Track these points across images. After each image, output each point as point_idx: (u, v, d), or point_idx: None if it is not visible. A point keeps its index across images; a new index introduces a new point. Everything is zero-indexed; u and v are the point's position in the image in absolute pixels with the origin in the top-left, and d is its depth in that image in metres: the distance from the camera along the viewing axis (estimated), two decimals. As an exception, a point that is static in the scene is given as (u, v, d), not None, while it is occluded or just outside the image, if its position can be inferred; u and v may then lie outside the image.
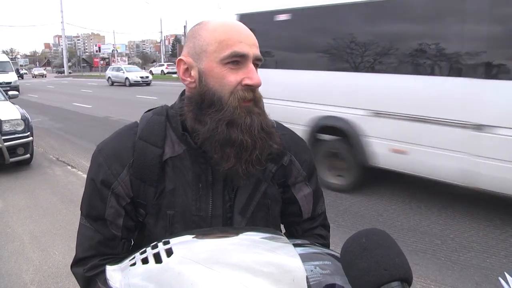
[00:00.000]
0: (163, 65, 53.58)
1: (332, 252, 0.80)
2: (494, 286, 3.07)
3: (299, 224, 1.10)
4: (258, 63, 0.93)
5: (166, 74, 45.82)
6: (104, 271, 0.92)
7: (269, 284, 0.61)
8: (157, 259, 0.65)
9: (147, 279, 0.64)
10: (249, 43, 0.90)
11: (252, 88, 0.90)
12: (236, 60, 0.88)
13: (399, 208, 4.66)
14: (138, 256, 0.68)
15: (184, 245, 0.68)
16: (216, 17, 0.98)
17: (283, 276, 0.63)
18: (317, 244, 0.86)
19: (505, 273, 0.77)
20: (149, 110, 1.04)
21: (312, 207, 1.09)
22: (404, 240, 3.81)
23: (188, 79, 0.93)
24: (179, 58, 0.95)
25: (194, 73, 0.92)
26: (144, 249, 0.70)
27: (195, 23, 0.98)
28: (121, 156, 0.95)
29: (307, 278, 0.63)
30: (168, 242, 0.68)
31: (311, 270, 0.68)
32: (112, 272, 0.70)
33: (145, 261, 0.66)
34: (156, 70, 52.23)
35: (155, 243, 0.70)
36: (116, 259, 0.93)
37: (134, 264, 0.68)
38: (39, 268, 3.44)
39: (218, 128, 0.87)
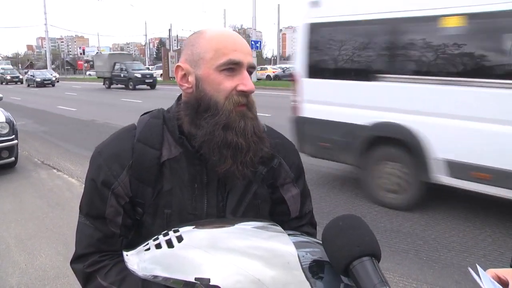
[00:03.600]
0: (148, 68, 52.72)
1: (320, 241, 0.88)
2: (473, 283, 3.18)
3: (287, 222, 1.15)
4: (252, 70, 0.99)
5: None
6: (104, 267, 0.97)
7: (262, 266, 0.69)
8: (169, 244, 0.73)
9: (160, 261, 0.73)
10: (243, 52, 0.96)
11: (246, 94, 0.96)
12: (232, 67, 0.94)
13: (382, 210, 4.77)
14: (151, 243, 0.76)
15: (189, 233, 0.76)
16: (212, 27, 1.04)
17: (277, 260, 0.71)
18: (306, 235, 0.93)
19: (477, 265, 0.85)
20: (145, 113, 1.08)
21: (299, 206, 1.15)
22: (387, 241, 3.91)
23: (186, 84, 0.99)
24: (177, 64, 1.00)
25: (191, 79, 0.97)
26: (156, 236, 0.77)
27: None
28: (121, 158, 0.99)
29: (300, 262, 0.72)
30: (177, 231, 0.76)
31: (303, 256, 0.76)
32: (130, 256, 0.78)
33: (158, 246, 0.74)
34: None
35: (165, 231, 0.77)
36: (115, 256, 0.98)
37: (148, 249, 0.75)
38: (25, 271, 3.44)
39: (215, 132, 0.92)
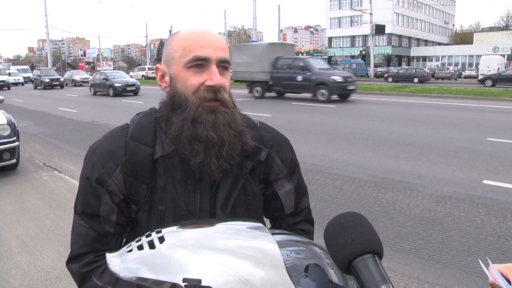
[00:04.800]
0: (144, 69, 51.04)
1: (308, 240, 0.88)
2: (474, 283, 3.18)
3: (282, 219, 1.16)
4: (226, 65, 1.00)
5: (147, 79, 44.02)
6: (99, 267, 0.98)
7: (249, 265, 0.69)
8: (151, 245, 0.73)
9: (142, 262, 0.72)
10: (212, 47, 0.97)
11: (214, 89, 0.97)
12: (199, 63, 0.97)
13: (383, 209, 4.77)
14: (134, 244, 0.76)
15: (173, 233, 0.76)
16: (188, 27, 1.07)
17: (262, 259, 0.71)
18: (294, 234, 0.93)
19: (487, 258, 0.86)
20: (139, 113, 1.11)
21: (294, 202, 1.16)
22: (389, 240, 3.91)
23: (163, 84, 1.04)
24: (156, 65, 1.06)
25: (167, 78, 1.03)
26: (139, 238, 0.77)
27: (180, 28, 1.08)
28: (115, 155, 1.01)
29: (284, 261, 0.72)
30: (160, 231, 0.76)
31: (287, 255, 0.76)
32: (112, 258, 0.77)
33: (140, 247, 0.74)
34: (137, 75, 48.17)
35: (148, 232, 0.77)
36: None
37: (130, 250, 0.75)
38: (27, 272, 3.44)
39: (184, 126, 0.95)
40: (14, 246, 3.96)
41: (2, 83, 33.14)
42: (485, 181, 5.73)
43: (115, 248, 1.00)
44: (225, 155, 0.96)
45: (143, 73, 48.58)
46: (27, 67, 55.00)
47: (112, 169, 1.00)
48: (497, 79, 29.70)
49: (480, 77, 32.71)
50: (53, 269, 3.48)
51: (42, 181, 6.21)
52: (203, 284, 0.67)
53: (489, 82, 29.84)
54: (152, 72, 46.28)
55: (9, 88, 33.89)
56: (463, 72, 47.52)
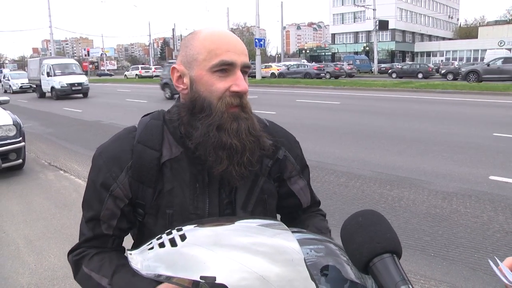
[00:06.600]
0: (137, 68, 52.74)
1: (326, 238, 0.88)
2: (482, 280, 3.17)
3: (298, 213, 1.20)
4: (247, 70, 0.99)
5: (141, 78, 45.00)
6: (87, 255, 1.02)
7: (266, 262, 0.68)
8: (173, 243, 0.73)
9: (163, 260, 0.72)
10: (237, 52, 0.96)
11: (239, 95, 0.96)
12: (224, 68, 0.94)
13: (388, 206, 4.76)
14: (155, 242, 0.76)
15: (193, 231, 0.76)
16: (207, 27, 1.05)
17: (281, 257, 0.70)
18: (310, 232, 0.93)
19: (495, 257, 0.85)
20: (146, 115, 1.09)
21: (310, 196, 1.20)
22: (395, 237, 3.90)
23: (181, 86, 1.01)
24: (172, 66, 1.02)
25: (186, 80, 0.99)
26: (159, 236, 0.77)
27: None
28: (120, 159, 1.00)
29: (304, 259, 0.71)
30: (181, 229, 0.76)
31: (307, 253, 0.75)
32: (134, 255, 0.78)
33: (161, 245, 0.74)
34: (131, 74, 50.39)
35: (169, 230, 0.78)
36: (104, 249, 1.04)
37: (152, 248, 0.75)
38: (35, 271, 3.47)
39: (210, 133, 0.94)
40: (22, 245, 3.99)
41: (79, 88, 22.80)
42: (491, 177, 5.70)
43: (112, 247, 1.05)
44: (246, 161, 0.96)
45: (137, 72, 50.13)
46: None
47: (117, 173, 1.00)
48: (457, 73, 30.60)
49: (442, 72, 34.60)
50: (60, 268, 3.50)
51: (48, 181, 6.24)
52: (217, 281, 0.66)
53: (450, 76, 31.50)
54: (145, 72, 48.06)
55: (85, 95, 23.07)
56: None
